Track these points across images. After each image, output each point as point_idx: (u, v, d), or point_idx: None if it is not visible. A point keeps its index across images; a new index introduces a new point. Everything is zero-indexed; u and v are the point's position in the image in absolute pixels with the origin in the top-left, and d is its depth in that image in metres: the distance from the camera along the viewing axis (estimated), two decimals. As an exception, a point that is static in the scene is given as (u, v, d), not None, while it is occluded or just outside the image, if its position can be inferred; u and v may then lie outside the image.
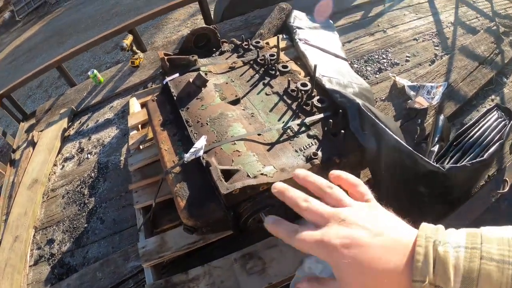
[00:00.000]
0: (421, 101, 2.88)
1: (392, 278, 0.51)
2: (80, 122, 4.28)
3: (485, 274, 0.44)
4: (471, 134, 2.38)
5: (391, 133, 1.80)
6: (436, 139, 2.43)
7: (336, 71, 2.94)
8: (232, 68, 2.61)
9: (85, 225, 3.16)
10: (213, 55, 2.82)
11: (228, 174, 1.73)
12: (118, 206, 3.21)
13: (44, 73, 4.72)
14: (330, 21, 4.05)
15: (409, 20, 4.16)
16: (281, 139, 1.99)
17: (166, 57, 2.56)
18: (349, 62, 3.57)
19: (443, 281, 0.46)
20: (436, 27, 4.00)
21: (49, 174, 3.79)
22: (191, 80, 2.28)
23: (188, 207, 1.84)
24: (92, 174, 3.61)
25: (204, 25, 2.76)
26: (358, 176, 2.44)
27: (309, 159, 1.84)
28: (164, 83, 2.46)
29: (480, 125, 2.45)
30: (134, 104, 3.50)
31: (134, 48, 4.34)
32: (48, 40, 9.09)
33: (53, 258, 3.03)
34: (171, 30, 6.50)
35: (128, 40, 4.13)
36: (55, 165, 3.91)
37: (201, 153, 1.86)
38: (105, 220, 3.15)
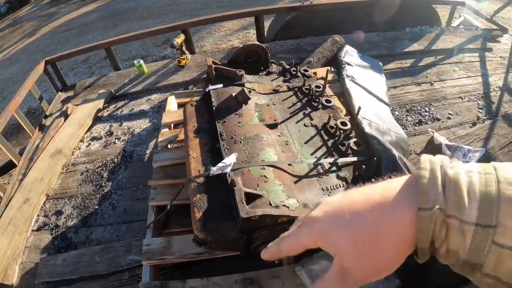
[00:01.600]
0: (455, 164, 2.80)
1: (390, 219, 0.43)
2: (116, 106, 4.36)
3: (507, 199, 0.37)
4: None
5: None
6: None
7: (377, 115, 2.90)
8: (276, 91, 2.62)
9: (96, 207, 3.19)
10: (260, 73, 2.83)
11: (251, 198, 1.71)
12: (133, 197, 3.22)
13: (93, 50, 4.88)
14: (380, 63, 4.01)
15: (458, 76, 4.08)
16: (310, 174, 1.96)
17: (214, 65, 2.59)
18: (391, 108, 3.52)
19: (456, 208, 0.39)
20: (483, 88, 3.91)
21: (74, 149, 3.86)
22: (233, 94, 2.29)
23: (203, 219, 1.82)
24: (115, 159, 3.65)
25: (257, 43, 2.78)
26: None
27: (334, 201, 1.81)
28: (207, 90, 2.48)
29: None
30: (172, 102, 3.55)
31: (184, 48, 4.43)
32: (103, 20, 9.40)
33: (56, 229, 3.05)
34: (222, 37, 6.60)
35: (179, 39, 4.22)
36: (81, 141, 3.98)
37: (228, 169, 1.86)
38: (116, 207, 3.16)
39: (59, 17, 10.96)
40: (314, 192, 1.87)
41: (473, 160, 2.82)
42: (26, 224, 3.07)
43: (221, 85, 2.49)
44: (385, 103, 3.38)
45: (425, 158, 0.47)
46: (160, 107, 4.10)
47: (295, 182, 1.89)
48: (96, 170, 3.58)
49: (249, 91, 2.33)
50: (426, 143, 3.19)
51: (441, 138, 3.09)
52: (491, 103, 3.73)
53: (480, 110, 3.63)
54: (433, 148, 3.07)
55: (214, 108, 2.33)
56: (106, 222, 3.05)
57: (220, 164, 1.88)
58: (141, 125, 3.98)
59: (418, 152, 3.11)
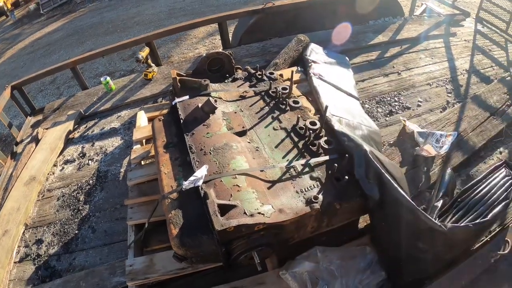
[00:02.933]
0: (429, 149, 2.84)
1: None
2: (86, 126, 4.27)
3: None
4: (476, 191, 2.32)
5: (396, 185, 1.76)
6: (441, 194, 2.38)
7: (346, 111, 2.92)
8: (242, 97, 2.61)
9: (76, 232, 3.11)
10: (226, 81, 2.82)
11: (225, 209, 1.70)
12: (111, 218, 3.15)
13: (59, 71, 4.74)
14: (346, 58, 4.06)
15: (424, 64, 4.16)
16: (283, 178, 1.95)
17: (178, 77, 2.56)
18: (361, 101, 3.56)
19: None
20: (450, 73, 4.00)
21: (48, 174, 3.74)
22: (200, 105, 2.26)
23: (180, 236, 1.80)
24: (90, 181, 3.56)
25: (220, 50, 2.76)
26: (357, 220, 2.39)
27: (309, 202, 1.80)
28: (173, 103, 2.45)
29: (487, 182, 2.39)
30: (142, 118, 3.50)
31: (149, 61, 4.36)
32: (68, 38, 9.21)
33: (39, 259, 2.97)
34: (188, 46, 6.56)
35: (144, 52, 4.16)
36: (55, 165, 3.86)
37: (200, 182, 1.83)
38: (96, 229, 3.10)
39: (23, 38, 10.69)
40: (289, 195, 1.86)
41: (446, 145, 2.88)
42: (8, 256, 2.96)
43: (187, 97, 2.46)
44: (354, 97, 3.42)
45: None
46: (131, 123, 4.03)
47: (269, 188, 1.88)
48: (72, 194, 3.49)
49: (215, 100, 2.31)
50: (399, 132, 3.23)
51: (413, 126, 3.14)
52: (459, 87, 3.81)
53: (449, 95, 3.71)
54: (405, 137, 3.12)
55: (181, 121, 2.30)
56: (88, 246, 2.99)
57: (191, 178, 1.86)
58: (113, 143, 3.90)
59: (391, 142, 3.14)
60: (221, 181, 1.84)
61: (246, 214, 1.67)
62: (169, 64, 4.78)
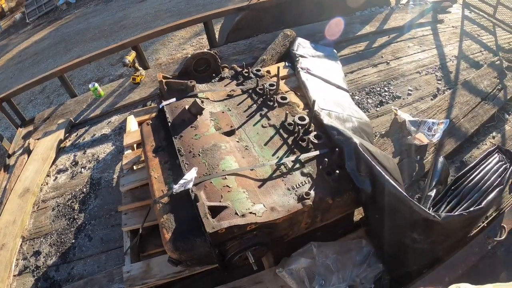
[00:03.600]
0: (421, 138, 2.84)
1: None
2: (77, 134, 4.24)
3: None
4: (470, 178, 2.31)
5: (387, 177, 1.75)
6: (434, 183, 2.37)
7: (336, 104, 2.91)
8: (230, 96, 2.59)
9: (73, 241, 3.11)
10: (213, 80, 2.79)
11: (216, 211, 1.68)
12: (107, 225, 3.15)
13: (46, 81, 4.70)
14: (334, 50, 4.05)
15: (413, 52, 4.15)
16: (273, 175, 1.94)
17: (164, 80, 2.54)
18: (351, 93, 3.55)
19: None
20: (439, 60, 3.99)
21: (42, 185, 3.74)
22: (187, 107, 2.24)
23: (173, 240, 1.78)
24: (84, 189, 3.55)
25: (205, 50, 2.74)
26: (351, 214, 2.38)
27: (301, 199, 1.79)
28: (160, 107, 2.42)
29: (480, 168, 2.38)
30: (131, 122, 3.47)
31: (137, 64, 4.33)
32: (55, 46, 9.14)
33: (38, 271, 2.97)
34: (176, 47, 6.52)
35: (131, 56, 4.13)
36: (48, 175, 3.85)
37: (190, 185, 1.81)
38: (93, 238, 3.09)
39: (10, 49, 10.59)
40: (280, 193, 1.85)
41: (438, 133, 2.87)
42: (7, 270, 2.96)
43: (174, 99, 2.44)
44: (344, 89, 3.41)
45: None
46: (121, 128, 4.01)
47: (260, 187, 1.87)
48: (67, 203, 3.48)
49: (202, 101, 2.29)
50: (390, 122, 3.23)
51: (404, 115, 3.14)
52: (449, 73, 3.81)
53: (439, 82, 3.70)
54: (397, 126, 3.11)
55: (169, 124, 2.27)
56: (85, 254, 2.99)
57: (181, 181, 1.84)
58: (104, 149, 3.88)
59: (383, 133, 3.14)
60: (211, 182, 1.82)
61: (238, 215, 1.66)
62: (157, 67, 4.74)
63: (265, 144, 2.15)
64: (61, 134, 4.18)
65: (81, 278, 2.81)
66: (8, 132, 6.36)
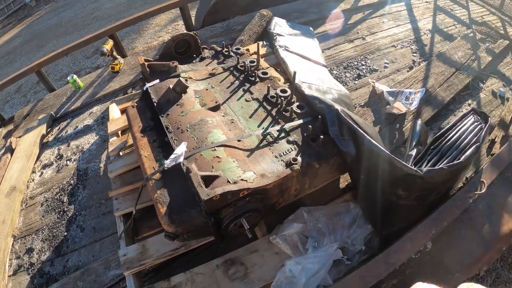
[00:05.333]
0: (399, 107, 2.95)
1: None
2: (59, 128, 4.19)
3: None
4: (448, 138, 2.43)
5: (369, 138, 1.83)
6: (414, 143, 2.49)
7: (316, 78, 2.99)
8: (212, 75, 2.63)
9: (65, 234, 3.10)
10: (194, 61, 2.82)
11: (208, 180, 1.74)
12: (98, 214, 3.15)
13: (23, 78, 4.61)
14: (310, 28, 4.10)
15: (387, 27, 4.26)
16: (260, 145, 2.01)
17: (146, 63, 2.55)
18: (329, 68, 3.63)
19: None
20: (414, 34, 4.11)
21: (28, 182, 3.69)
22: (171, 86, 2.27)
23: (168, 213, 1.83)
24: (71, 181, 3.52)
25: (185, 31, 2.76)
26: (338, 180, 2.48)
27: (288, 165, 1.87)
28: (145, 89, 2.45)
29: (457, 128, 2.50)
30: (114, 110, 3.45)
31: (115, 53, 4.29)
32: (27, 43, 8.88)
33: (32, 268, 2.95)
34: (151, 35, 6.44)
35: (108, 45, 4.08)
36: (33, 172, 3.80)
37: (181, 159, 1.86)
38: (85, 228, 3.09)
39: (-18, 51, 10.26)
40: (268, 160, 1.92)
41: (416, 101, 2.99)
42: (1, 271, 2.92)
43: (157, 81, 2.46)
44: (322, 65, 3.48)
45: None
46: (104, 118, 3.98)
47: (248, 156, 1.93)
48: (55, 197, 3.45)
49: (186, 80, 2.33)
50: (369, 94, 3.33)
51: (382, 87, 3.24)
52: (424, 46, 3.93)
53: (415, 54, 3.82)
54: (376, 97, 3.22)
55: (155, 104, 2.30)
56: (79, 245, 2.99)
57: (172, 156, 1.88)
58: (88, 140, 3.86)
59: (362, 104, 3.24)
60: (201, 155, 1.88)
61: (230, 182, 1.72)
62: (135, 55, 4.69)
63: (250, 117, 2.21)
64: (43, 129, 4.12)
65: (77, 269, 2.79)
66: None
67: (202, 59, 2.85)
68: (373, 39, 4.07)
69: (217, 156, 1.85)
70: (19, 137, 4.21)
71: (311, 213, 2.15)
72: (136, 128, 2.28)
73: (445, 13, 4.42)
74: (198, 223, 1.84)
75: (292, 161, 1.86)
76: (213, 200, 1.65)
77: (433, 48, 3.89)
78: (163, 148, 2.09)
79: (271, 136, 2.06)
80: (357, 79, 3.60)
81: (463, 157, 2.09)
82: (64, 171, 3.66)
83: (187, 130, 2.04)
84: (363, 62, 3.76)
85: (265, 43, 3.65)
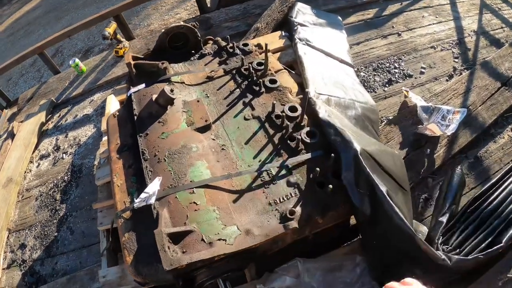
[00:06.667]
0: (433, 129, 2.43)
1: None
2: (60, 115, 3.98)
3: None
4: (490, 199, 1.91)
5: (392, 203, 1.39)
6: (448, 204, 1.94)
7: (337, 85, 2.51)
8: (210, 79, 2.19)
9: (55, 234, 3.02)
10: (192, 58, 2.39)
11: (178, 236, 1.37)
12: (88, 218, 3.00)
13: (27, 59, 4.41)
14: (339, 17, 3.55)
15: (427, 23, 3.58)
16: (253, 185, 1.59)
17: (133, 62, 2.16)
18: (356, 69, 3.11)
19: None
20: (457, 34, 3.43)
21: (25, 172, 3.62)
22: (154, 97, 1.88)
23: (134, 263, 1.51)
24: (65, 177, 3.37)
25: (181, 23, 2.31)
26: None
27: (284, 219, 1.45)
28: (128, 95, 2.07)
29: (503, 187, 1.97)
30: (112, 102, 3.12)
31: (119, 36, 3.93)
32: (46, 15, 8.61)
33: (24, 265, 2.94)
34: (168, 11, 5.84)
35: (111, 28, 3.74)
36: (31, 162, 3.70)
37: (152, 200, 1.50)
38: (74, 231, 2.97)
39: (3, 20, 10.11)
40: (259, 208, 1.51)
41: (454, 123, 2.46)
42: None
43: (143, 85, 2.06)
44: (348, 64, 2.97)
45: None
46: (103, 108, 3.70)
47: (235, 201, 1.53)
48: (49, 193, 3.32)
49: (172, 90, 1.89)
50: (400, 106, 2.81)
51: (415, 99, 2.71)
52: (467, 51, 3.28)
53: (456, 60, 3.20)
54: (407, 111, 2.70)
55: (135, 117, 1.92)
56: (68, 249, 2.90)
57: (143, 195, 1.53)
58: (86, 132, 3.62)
59: (390, 118, 2.72)
60: (176, 197, 1.50)
61: (205, 241, 1.35)
62: (142, 37, 4.29)
63: (246, 143, 1.78)
64: (42, 116, 3.97)
65: (65, 274, 2.73)
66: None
67: (202, 55, 2.40)
68: (410, 37, 3.44)
69: (194, 202, 1.47)
70: (21, 121, 4.12)
71: (306, 266, 1.74)
72: (113, 146, 1.91)
73: (492, 13, 3.68)
74: (167, 278, 1.50)
75: (288, 215, 1.45)
76: (178, 268, 1.29)
77: (477, 54, 3.24)
78: (138, 177, 1.72)
79: (268, 174, 1.64)
80: (387, 85, 3.04)
81: (505, 239, 1.62)
82: (59, 165, 3.52)
83: (165, 160, 1.65)
84: (396, 65, 3.18)
85: (283, 33, 3.16)
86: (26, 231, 3.15)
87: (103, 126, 2.88)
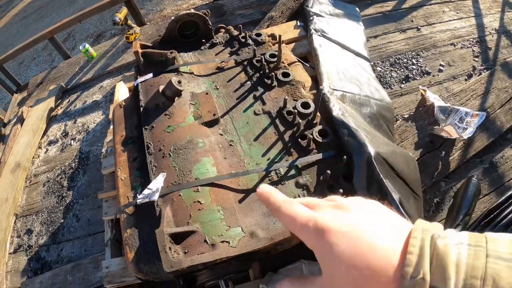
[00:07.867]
0: (450, 131, 2.31)
1: (380, 277, 0.40)
2: (69, 101, 3.95)
3: (493, 273, 0.35)
4: (506, 212, 1.82)
5: (404, 213, 1.31)
6: (461, 216, 1.85)
7: (353, 80, 2.41)
8: (220, 70, 2.11)
9: (62, 221, 3.02)
10: (203, 47, 2.31)
11: (181, 237, 1.32)
12: (94, 205, 2.99)
13: (36, 44, 4.36)
14: (356, 8, 3.42)
15: (448, 19, 3.41)
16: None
17: (141, 51, 2.09)
18: (372, 63, 2.99)
19: (442, 280, 0.37)
20: (478, 32, 3.25)
21: (33, 158, 3.63)
22: (161, 88, 1.81)
23: (136, 260, 1.46)
24: (73, 164, 3.35)
25: (192, 11, 2.22)
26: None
27: (291, 221, 1.39)
28: (135, 85, 2.00)
29: None
30: (120, 90, 3.09)
31: (129, 22, 3.86)
32: (59, -2, 8.68)
33: (30, 250, 2.96)
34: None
35: (122, 13, 3.66)
36: (39, 147, 3.70)
37: (155, 197, 1.45)
38: (80, 218, 2.96)
39: (16, 3, 10.11)
40: (265, 210, 1.44)
41: (472, 126, 2.34)
42: (2, 249, 3.00)
43: (150, 75, 1.99)
44: (364, 57, 2.86)
45: (418, 226, 0.42)
46: (113, 94, 3.61)
47: (240, 201, 1.46)
48: (56, 179, 3.32)
49: (179, 81, 1.82)
50: (416, 104, 2.70)
51: (433, 98, 2.59)
52: (487, 50, 3.11)
53: (476, 59, 3.04)
54: (423, 110, 2.59)
55: (142, 108, 1.86)
56: (73, 236, 2.90)
57: (145, 191, 1.47)
58: (94, 119, 3.58)
59: (406, 117, 2.62)
60: (180, 195, 1.44)
61: (207, 242, 1.29)
62: (153, 23, 4.20)
63: (255, 139, 1.70)
64: (51, 101, 3.95)
65: (70, 261, 2.74)
66: (6, 99, 6.17)
67: (212, 45, 2.32)
68: (430, 32, 3.28)
69: (198, 201, 1.41)
70: (31, 106, 4.11)
71: (311, 268, 1.69)
72: (118, 137, 1.86)
73: (515, 11, 3.52)
74: (168, 276, 1.45)
75: (296, 218, 1.38)
76: (179, 270, 1.23)
77: (498, 54, 3.07)
78: (142, 171, 1.67)
79: (276, 174, 1.57)
80: (404, 81, 2.92)
81: None
82: (67, 151, 3.51)
83: (170, 155, 1.59)
84: (414, 61, 3.04)
85: (298, 23, 3.06)
86: (33, 217, 3.16)
87: (111, 114, 2.84)
